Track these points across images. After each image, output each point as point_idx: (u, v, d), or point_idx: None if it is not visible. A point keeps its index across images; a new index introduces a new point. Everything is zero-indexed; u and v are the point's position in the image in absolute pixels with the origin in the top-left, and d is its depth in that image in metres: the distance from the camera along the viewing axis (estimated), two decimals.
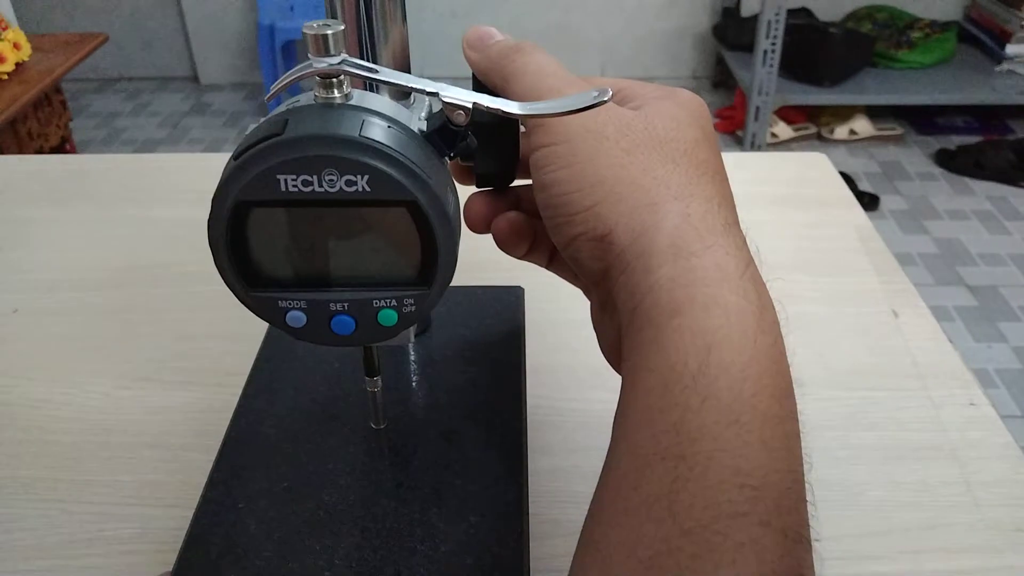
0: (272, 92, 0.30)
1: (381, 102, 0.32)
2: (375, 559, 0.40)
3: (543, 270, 0.42)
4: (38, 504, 0.48)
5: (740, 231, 0.33)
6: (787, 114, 2.89)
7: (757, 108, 2.74)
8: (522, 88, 0.35)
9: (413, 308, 0.32)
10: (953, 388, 0.55)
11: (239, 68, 3.40)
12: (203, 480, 0.45)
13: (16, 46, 1.76)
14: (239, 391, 0.50)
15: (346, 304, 0.32)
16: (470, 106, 0.31)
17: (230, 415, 0.51)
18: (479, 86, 0.39)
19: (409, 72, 0.39)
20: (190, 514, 0.43)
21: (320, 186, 0.28)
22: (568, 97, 0.29)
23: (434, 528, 0.41)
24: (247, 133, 0.31)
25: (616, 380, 0.56)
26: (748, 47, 2.83)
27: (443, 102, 0.31)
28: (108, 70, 3.40)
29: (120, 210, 0.76)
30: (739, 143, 2.89)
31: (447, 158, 0.34)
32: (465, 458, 0.44)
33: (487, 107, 0.31)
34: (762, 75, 2.69)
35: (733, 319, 0.29)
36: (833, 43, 2.75)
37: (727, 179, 0.36)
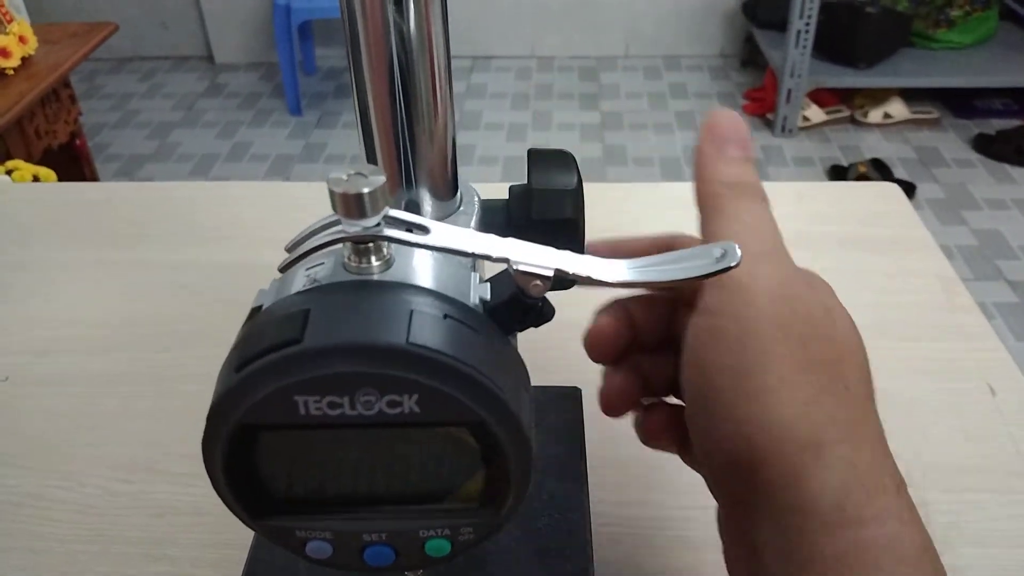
0: (287, 262, 0.23)
1: (429, 266, 0.24)
2: None
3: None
4: None
5: (904, 483, 0.27)
6: (819, 96, 2.78)
7: (789, 91, 2.64)
8: (716, 234, 0.28)
9: (472, 536, 0.24)
10: None
11: (255, 48, 3.33)
12: None
13: (22, 39, 1.68)
14: None
15: (384, 534, 0.24)
16: (551, 275, 0.23)
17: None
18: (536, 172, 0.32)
19: (456, 179, 0.32)
20: None
21: (353, 408, 0.21)
22: (684, 255, 0.22)
23: None
24: (250, 320, 0.23)
25: (679, 483, 0.48)
26: (779, 25, 2.72)
27: (515, 271, 0.23)
28: (122, 50, 3.32)
29: (123, 251, 0.69)
30: (769, 127, 2.79)
31: (515, 333, 0.26)
32: None
33: (575, 275, 0.23)
34: (795, 56, 2.59)
35: None
36: (869, 22, 2.64)
37: None
